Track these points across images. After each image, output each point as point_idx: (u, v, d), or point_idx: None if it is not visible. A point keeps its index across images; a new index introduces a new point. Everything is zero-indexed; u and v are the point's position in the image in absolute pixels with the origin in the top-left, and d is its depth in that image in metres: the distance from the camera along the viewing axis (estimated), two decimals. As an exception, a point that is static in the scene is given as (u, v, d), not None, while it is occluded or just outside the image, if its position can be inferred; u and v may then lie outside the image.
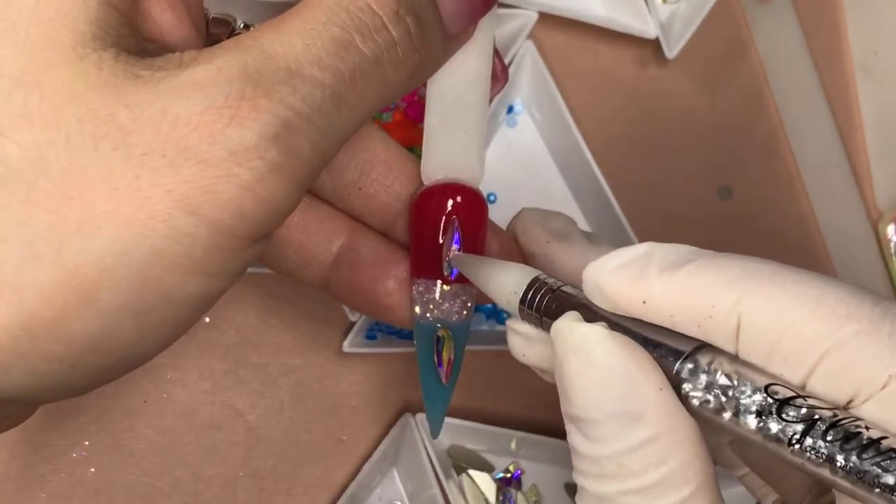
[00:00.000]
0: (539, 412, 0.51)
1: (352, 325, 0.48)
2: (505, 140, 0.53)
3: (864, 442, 0.20)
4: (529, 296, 0.27)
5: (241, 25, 0.29)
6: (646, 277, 0.24)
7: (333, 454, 0.49)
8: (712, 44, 0.56)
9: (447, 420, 0.47)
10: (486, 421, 0.49)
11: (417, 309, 0.30)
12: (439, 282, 0.30)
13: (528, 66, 0.51)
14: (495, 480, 0.49)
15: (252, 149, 0.22)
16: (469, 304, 0.30)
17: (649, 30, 0.52)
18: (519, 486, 0.49)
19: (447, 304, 0.30)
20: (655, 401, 0.23)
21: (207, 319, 0.48)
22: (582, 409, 0.24)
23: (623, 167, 0.53)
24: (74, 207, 0.21)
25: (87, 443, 0.46)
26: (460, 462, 0.49)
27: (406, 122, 0.49)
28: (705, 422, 0.23)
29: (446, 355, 0.31)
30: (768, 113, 0.56)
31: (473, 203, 0.29)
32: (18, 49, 0.21)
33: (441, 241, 0.29)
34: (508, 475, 0.49)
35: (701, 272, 0.24)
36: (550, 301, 0.26)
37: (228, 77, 0.22)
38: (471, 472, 0.48)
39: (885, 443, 0.20)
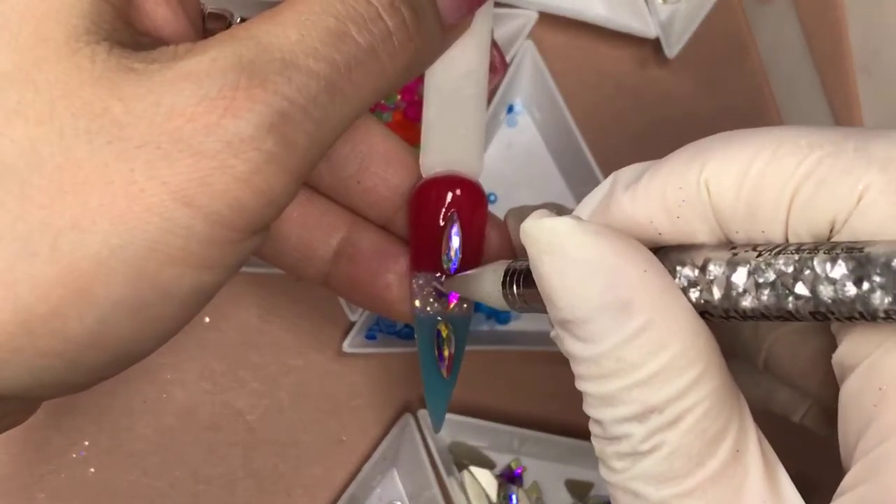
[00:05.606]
0: (541, 409, 0.51)
1: (352, 324, 0.48)
2: (505, 140, 0.53)
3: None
4: (508, 283, 0.26)
5: (238, 20, 0.29)
6: (615, 201, 0.24)
7: (333, 454, 0.49)
8: (713, 44, 0.56)
9: (449, 416, 0.47)
10: (487, 418, 0.49)
11: (417, 302, 0.30)
12: (439, 275, 0.30)
13: (528, 66, 0.51)
14: (497, 477, 0.49)
15: (248, 140, 0.21)
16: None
17: (649, 29, 0.52)
18: (520, 482, 0.49)
19: (447, 298, 0.30)
20: (641, 284, 0.21)
21: (207, 319, 0.48)
22: (567, 309, 0.22)
23: (623, 167, 0.53)
24: (69, 202, 0.21)
25: (86, 443, 0.46)
26: (462, 459, 0.49)
27: (406, 122, 0.49)
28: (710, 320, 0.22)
29: (447, 349, 0.30)
30: (769, 113, 0.56)
31: (473, 195, 0.29)
32: (11, 45, 0.21)
33: (441, 235, 0.29)
34: (510, 472, 0.49)
35: (661, 168, 0.23)
36: (527, 277, 0.25)
37: (223, 68, 0.22)
38: (472, 468, 0.48)
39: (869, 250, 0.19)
